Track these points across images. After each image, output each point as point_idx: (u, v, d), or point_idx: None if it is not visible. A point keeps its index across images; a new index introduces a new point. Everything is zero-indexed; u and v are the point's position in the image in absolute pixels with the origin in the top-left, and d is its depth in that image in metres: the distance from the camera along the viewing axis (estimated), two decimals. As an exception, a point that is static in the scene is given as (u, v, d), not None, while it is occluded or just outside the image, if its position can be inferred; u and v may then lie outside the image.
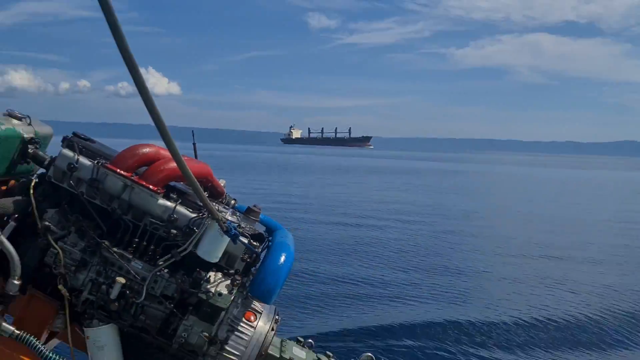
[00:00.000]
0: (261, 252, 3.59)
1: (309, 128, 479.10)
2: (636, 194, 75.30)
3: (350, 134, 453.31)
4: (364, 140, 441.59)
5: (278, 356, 3.76)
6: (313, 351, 4.02)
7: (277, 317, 3.64)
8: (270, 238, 3.79)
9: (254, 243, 3.53)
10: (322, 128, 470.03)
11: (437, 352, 12.69)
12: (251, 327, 3.47)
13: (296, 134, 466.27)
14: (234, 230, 3.23)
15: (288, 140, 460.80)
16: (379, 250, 24.72)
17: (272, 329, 3.55)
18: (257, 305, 3.57)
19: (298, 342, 4.07)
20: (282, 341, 3.95)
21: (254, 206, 3.75)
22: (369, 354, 3.86)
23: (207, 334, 3.33)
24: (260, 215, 3.79)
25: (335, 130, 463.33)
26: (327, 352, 4.02)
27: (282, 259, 3.50)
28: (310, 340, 4.09)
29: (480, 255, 26.08)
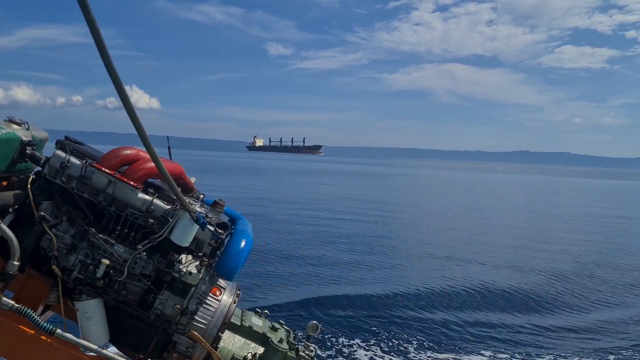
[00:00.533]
0: (225, 238, 3.57)
1: (269, 138, 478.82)
2: (527, 191, 77.95)
3: (304, 143, 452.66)
4: (315, 148, 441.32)
5: (239, 324, 3.70)
6: (268, 320, 3.98)
7: (238, 292, 3.58)
8: (232, 226, 3.77)
9: (219, 230, 3.51)
10: (281, 138, 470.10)
11: (372, 319, 12.78)
12: (217, 300, 3.43)
13: (259, 142, 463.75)
14: (202, 220, 3.21)
15: (252, 147, 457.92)
16: (325, 235, 24.86)
17: (234, 302, 3.50)
18: (221, 282, 3.52)
19: (256, 312, 4.02)
20: (242, 312, 3.89)
21: (219, 200, 3.71)
22: (315, 322, 3.80)
23: (179, 306, 3.28)
24: (224, 208, 3.75)
25: (292, 139, 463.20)
26: (280, 321, 3.96)
27: (243, 243, 3.52)
28: (266, 311, 4.04)
29: (408, 237, 26.50)
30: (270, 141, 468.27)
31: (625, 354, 11.83)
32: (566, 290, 17.70)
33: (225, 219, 3.77)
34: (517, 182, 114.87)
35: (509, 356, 11.31)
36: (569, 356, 11.51)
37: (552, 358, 11.37)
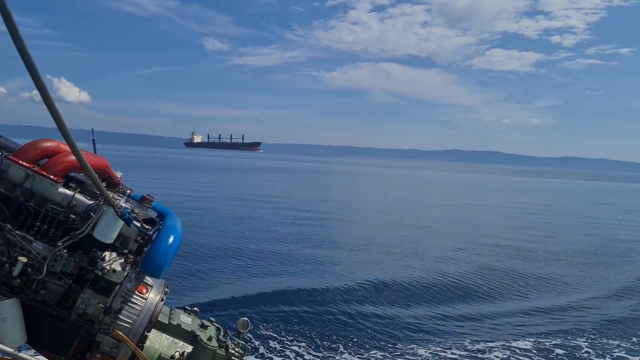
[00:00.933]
0: (152, 234, 3.41)
1: (208, 134, 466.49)
2: (459, 188, 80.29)
3: (243, 139, 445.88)
4: (255, 145, 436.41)
5: (167, 322, 3.56)
6: (198, 318, 3.85)
7: (166, 289, 3.44)
8: (161, 222, 3.60)
9: (146, 226, 3.35)
10: (220, 134, 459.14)
11: (304, 315, 12.71)
12: (143, 298, 3.28)
13: (197, 139, 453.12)
14: (127, 215, 3.05)
15: (190, 144, 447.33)
16: (260, 232, 24.59)
17: (162, 300, 3.36)
18: (149, 279, 3.37)
19: (185, 310, 3.88)
20: (171, 310, 3.75)
21: (147, 195, 3.56)
22: (245, 318, 3.71)
23: (102, 305, 3.11)
24: (153, 203, 3.60)
25: (231, 136, 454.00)
26: (210, 318, 3.85)
27: (171, 240, 3.33)
28: (196, 309, 3.91)
29: (343, 233, 26.58)
30: (208, 138, 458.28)
31: (553, 339, 12.29)
32: (494, 280, 18.27)
33: (154, 214, 3.62)
34: (449, 180, 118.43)
35: (436, 346, 11.51)
36: (498, 341, 11.83)
37: (487, 344, 11.64)
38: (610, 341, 12.76)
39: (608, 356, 11.66)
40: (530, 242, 27.76)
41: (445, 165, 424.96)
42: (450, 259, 21.36)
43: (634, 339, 13.01)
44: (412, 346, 11.48)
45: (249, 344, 10.11)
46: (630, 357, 11.58)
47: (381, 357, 10.74)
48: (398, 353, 11.01)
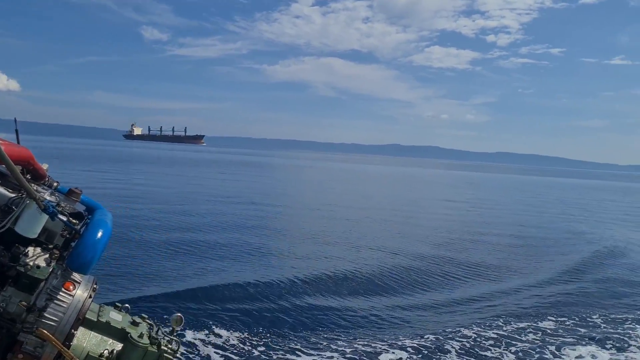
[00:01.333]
0: (80, 228, 3.25)
1: (149, 126, 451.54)
2: (400, 180, 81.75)
3: (185, 132, 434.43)
4: (198, 138, 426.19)
5: (95, 320, 3.39)
6: (129, 314, 3.70)
7: (95, 285, 3.28)
8: (89, 216, 3.43)
9: (73, 220, 3.19)
10: (161, 127, 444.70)
11: (241, 309, 12.50)
12: (70, 295, 3.11)
13: (137, 131, 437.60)
14: (51, 209, 2.88)
15: (130, 136, 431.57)
16: (197, 225, 23.97)
17: (90, 297, 3.20)
18: (76, 275, 3.20)
19: (116, 307, 3.71)
20: (100, 307, 3.58)
21: (75, 188, 3.39)
22: (179, 314, 3.59)
23: (24, 303, 2.93)
24: (81, 196, 3.43)
25: (173, 129, 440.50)
26: (142, 315, 3.70)
27: (99, 234, 3.16)
28: (127, 305, 3.75)
29: (283, 226, 26.46)
30: (149, 130, 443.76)
31: (487, 328, 12.63)
32: (434, 269, 18.63)
33: (82, 208, 3.45)
34: (390, 173, 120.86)
35: (369, 340, 11.61)
36: (429, 333, 12.05)
37: (420, 334, 11.85)
38: (545, 323, 13.28)
39: (546, 340, 12.09)
40: (467, 233, 28.56)
41: (385, 159, 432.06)
42: (390, 250, 21.65)
43: (567, 322, 13.61)
44: (352, 338, 11.53)
45: (183, 340, 9.90)
46: (563, 339, 12.06)
47: (322, 349, 10.74)
48: (337, 346, 11.04)
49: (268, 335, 11.22)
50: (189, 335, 10.45)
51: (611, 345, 12.01)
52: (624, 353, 11.57)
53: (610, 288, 18.06)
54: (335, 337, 11.55)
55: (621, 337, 12.56)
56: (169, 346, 3.43)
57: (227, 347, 10.29)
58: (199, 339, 10.44)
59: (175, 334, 3.55)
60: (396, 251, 21.60)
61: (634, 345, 12.00)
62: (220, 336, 10.73)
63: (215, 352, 9.99)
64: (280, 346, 10.67)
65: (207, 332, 10.84)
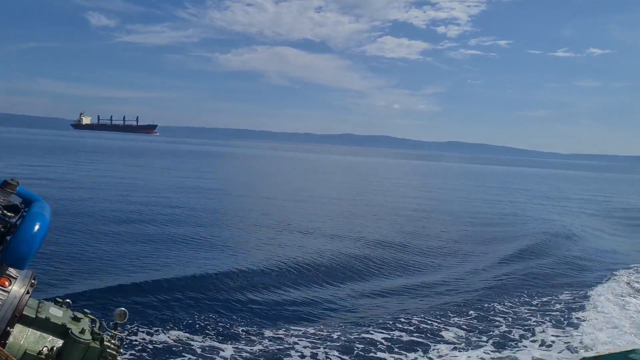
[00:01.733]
0: (16, 222, 3.08)
1: (98, 116, 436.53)
2: (352, 169, 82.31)
3: (137, 122, 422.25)
4: (150, 128, 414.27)
5: (34, 316, 3.23)
6: (71, 310, 3.55)
7: (33, 281, 3.11)
8: (26, 209, 3.26)
9: (8, 214, 3.02)
10: (112, 116, 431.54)
11: (188, 302, 12.22)
12: (5, 291, 2.93)
13: (86, 120, 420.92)
14: (-19, 201, 2.70)
15: (78, 125, 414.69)
16: (144, 217, 23.23)
17: (28, 292, 3.03)
18: (12, 271, 3.03)
19: (56, 302, 3.54)
20: (39, 302, 3.41)
21: (11, 180, 3.19)
22: (123, 308, 3.47)
23: (-49, 301, 2.76)
24: (17, 188, 3.24)
25: (124, 118, 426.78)
26: (85, 310, 3.55)
27: (36, 228, 2.98)
28: (68, 300, 3.58)
29: (235, 216, 26.15)
30: (99, 119, 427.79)
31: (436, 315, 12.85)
32: (379, 257, 18.78)
33: (18, 200, 3.27)
34: (342, 163, 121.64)
35: (319, 328, 11.59)
36: (386, 318, 12.16)
37: (371, 322, 11.92)
38: (495, 304, 13.60)
39: (493, 321, 12.35)
40: (419, 220, 29.02)
41: (339, 148, 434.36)
42: (342, 238, 21.72)
43: (517, 301, 14.01)
44: (296, 327, 11.47)
45: (127, 335, 9.63)
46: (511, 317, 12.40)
47: (264, 340, 10.65)
48: (288, 334, 11.01)
49: (216, 326, 11.01)
50: (134, 329, 10.09)
51: (557, 324, 12.40)
52: (570, 331, 11.93)
53: (555, 268, 18.76)
54: (286, 325, 11.48)
55: (566, 316, 13.00)
56: (112, 341, 3.31)
57: (174, 340, 9.98)
58: (144, 333, 10.10)
59: (118, 328, 3.44)
60: (348, 239, 21.70)
61: (578, 321, 12.42)
62: (166, 330, 10.41)
63: (160, 346, 9.67)
64: (227, 337, 10.49)
65: (152, 326, 10.51)
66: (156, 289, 12.61)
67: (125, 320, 3.47)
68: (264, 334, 10.86)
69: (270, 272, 15.35)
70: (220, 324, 11.21)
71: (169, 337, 10.17)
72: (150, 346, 9.64)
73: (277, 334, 10.86)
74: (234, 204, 31.05)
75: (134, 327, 10.20)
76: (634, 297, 14.90)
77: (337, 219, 27.71)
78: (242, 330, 10.97)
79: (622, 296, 14.94)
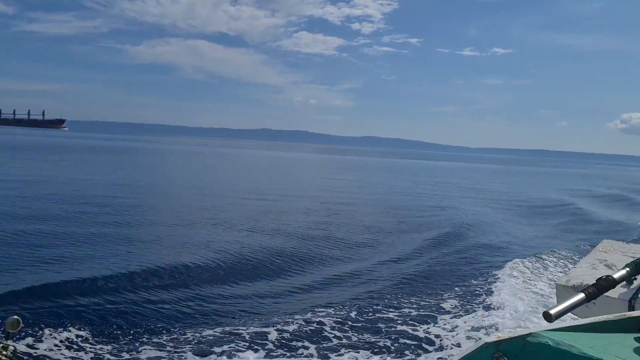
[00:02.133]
0: None
1: (0, 109, 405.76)
2: (270, 164, 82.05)
3: (44, 116, 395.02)
4: (58, 123, 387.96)
5: None
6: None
7: None
8: None
9: None
10: (14, 110, 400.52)
11: (88, 306, 11.51)
12: None
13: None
14: None
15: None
16: (45, 214, 21.83)
17: None
18: None
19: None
20: None
21: None
22: (16, 316, 3.22)
23: None
24: None
25: (29, 112, 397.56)
26: (-27, 318, 3.28)
27: None
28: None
29: (141, 210, 25.32)
30: (0, 113, 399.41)
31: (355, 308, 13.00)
32: (294, 252, 18.74)
33: None
34: (260, 157, 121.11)
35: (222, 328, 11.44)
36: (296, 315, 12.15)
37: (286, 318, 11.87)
38: (404, 297, 13.91)
39: (405, 311, 12.64)
40: (334, 213, 29.30)
41: (256, 143, 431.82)
42: (256, 234, 21.53)
43: (431, 292, 14.41)
44: (209, 328, 11.22)
45: (21, 344, 9.02)
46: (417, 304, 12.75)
47: (181, 343, 10.35)
48: (192, 336, 10.76)
49: (117, 331, 10.48)
50: (29, 338, 9.37)
51: (469, 312, 12.89)
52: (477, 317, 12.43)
53: (461, 257, 19.53)
54: (191, 326, 11.20)
55: (468, 303, 13.54)
56: (4, 352, 3.08)
57: (74, 349, 9.37)
58: (40, 341, 9.41)
59: (11, 338, 3.19)
60: (267, 234, 21.57)
61: (484, 307, 12.97)
62: (64, 337, 9.71)
63: (58, 355, 9.06)
64: (131, 342, 10.02)
65: (49, 333, 9.76)
66: (54, 293, 11.77)
67: (19, 328, 3.22)
68: (180, 338, 10.55)
69: (183, 271, 14.87)
70: (121, 328, 10.66)
71: (68, 344, 9.51)
72: (47, 355, 9.00)
73: (194, 335, 10.60)
74: (145, 201, 29.97)
75: (28, 336, 9.47)
76: (533, 282, 15.80)
77: (256, 213, 27.44)
78: (143, 334, 10.47)
79: (524, 281, 15.78)
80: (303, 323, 11.43)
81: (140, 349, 9.66)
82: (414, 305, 13.26)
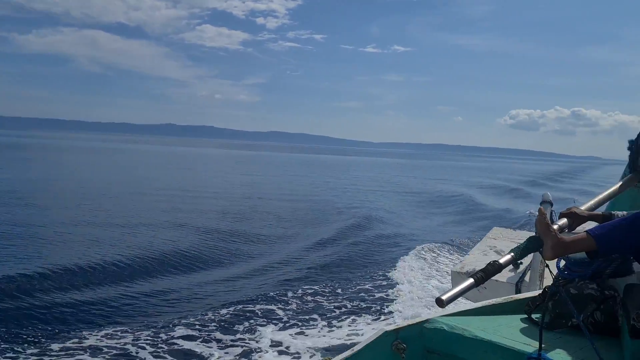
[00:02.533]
0: None
1: None
2: (174, 160, 79.94)
3: None
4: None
5: None
6: None
7: None
8: None
9: None
10: None
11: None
12: None
13: None
14: None
15: None
16: None
17: None
18: None
19: None
20: None
21: None
22: None
23: None
24: None
25: None
26: None
27: None
28: None
29: (38, 211, 23.92)
30: None
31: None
32: (196, 248, 18.47)
33: None
34: (164, 154, 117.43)
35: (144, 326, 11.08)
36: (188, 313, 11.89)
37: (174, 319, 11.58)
38: (314, 287, 13.98)
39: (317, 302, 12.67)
40: (243, 208, 29.10)
41: (160, 139, 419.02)
42: (160, 230, 20.98)
43: (338, 283, 14.55)
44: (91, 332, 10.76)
45: None
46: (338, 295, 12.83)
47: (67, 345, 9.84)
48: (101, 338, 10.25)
49: (38, 334, 9.97)
50: None
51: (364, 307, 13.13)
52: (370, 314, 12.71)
53: (363, 248, 20.02)
54: (102, 326, 10.74)
55: (370, 294, 13.84)
56: None
57: None
58: None
59: None
60: (171, 230, 21.11)
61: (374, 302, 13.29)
62: None
63: None
64: (58, 342, 9.54)
65: None
66: None
67: None
68: (59, 340, 9.94)
69: (81, 271, 14.21)
70: (37, 331, 10.10)
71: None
72: None
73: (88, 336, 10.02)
74: (36, 200, 28.14)
75: None
76: (432, 271, 16.44)
77: (159, 211, 26.60)
78: (62, 335, 9.98)
79: (421, 269, 16.36)
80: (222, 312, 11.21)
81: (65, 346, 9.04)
82: (316, 298, 13.36)
